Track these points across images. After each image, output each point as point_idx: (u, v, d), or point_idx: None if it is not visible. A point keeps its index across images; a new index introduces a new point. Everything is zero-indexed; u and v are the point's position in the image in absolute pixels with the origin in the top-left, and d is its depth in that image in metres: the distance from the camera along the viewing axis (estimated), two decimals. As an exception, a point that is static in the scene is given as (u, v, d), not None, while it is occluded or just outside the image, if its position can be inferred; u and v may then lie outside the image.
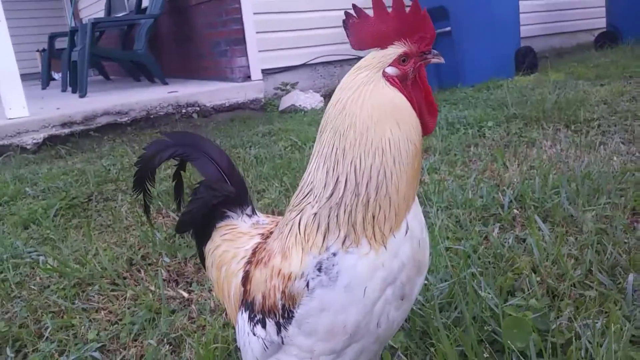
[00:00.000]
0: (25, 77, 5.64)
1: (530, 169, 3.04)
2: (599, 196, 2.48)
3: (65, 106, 5.67)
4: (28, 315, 1.98)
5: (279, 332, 0.99)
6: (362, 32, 0.99)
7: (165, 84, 7.01)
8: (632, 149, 3.21)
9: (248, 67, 6.40)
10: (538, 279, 1.86)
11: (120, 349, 1.75)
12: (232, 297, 1.15)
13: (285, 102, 6.14)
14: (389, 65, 0.97)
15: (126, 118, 5.54)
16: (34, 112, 5.28)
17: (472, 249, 2.09)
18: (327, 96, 6.75)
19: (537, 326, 1.48)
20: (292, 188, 3.01)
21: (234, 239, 1.21)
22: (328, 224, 0.94)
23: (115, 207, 3.16)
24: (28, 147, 5.03)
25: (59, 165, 4.48)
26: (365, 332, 0.96)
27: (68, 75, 7.56)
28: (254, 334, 1.04)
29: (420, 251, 0.99)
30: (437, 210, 2.52)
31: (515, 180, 2.85)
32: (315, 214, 0.95)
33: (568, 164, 3.00)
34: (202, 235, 1.29)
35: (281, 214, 2.74)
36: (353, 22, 0.99)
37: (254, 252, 1.12)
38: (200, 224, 1.28)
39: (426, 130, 1.00)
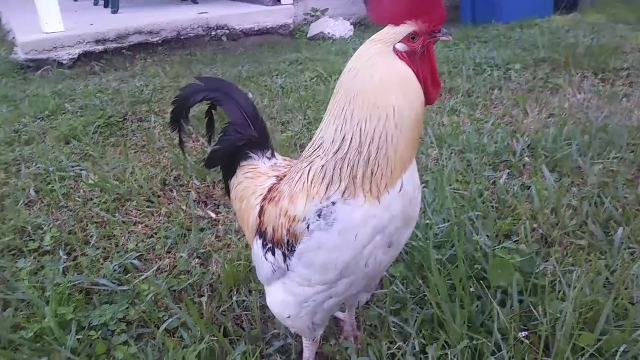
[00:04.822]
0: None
1: (549, 117, 3.11)
2: (610, 150, 2.57)
3: (98, 22, 5.75)
4: (75, 224, 2.24)
5: (284, 260, 1.19)
6: (378, 9, 1.09)
7: (195, 2, 6.97)
8: (656, 102, 3.22)
9: (279, -11, 6.32)
10: (535, 225, 2.02)
11: (156, 259, 2.01)
12: (250, 226, 1.34)
13: (314, 29, 6.11)
14: (399, 41, 1.08)
15: (157, 38, 5.62)
16: (69, 27, 5.39)
17: (478, 193, 2.24)
18: (357, 24, 6.66)
19: (522, 268, 1.66)
20: (315, 121, 3.15)
21: (254, 177, 1.39)
22: (332, 175, 1.09)
23: (149, 128, 3.36)
24: (64, 62, 5.20)
25: (94, 82, 4.66)
26: (354, 269, 1.15)
27: (100, -13, 7.55)
28: (266, 259, 1.24)
29: (410, 207, 1.15)
30: (451, 153, 2.65)
31: (532, 127, 2.93)
32: (323, 166, 1.10)
33: (587, 115, 3.05)
34: (228, 171, 1.47)
35: (303, 146, 2.91)
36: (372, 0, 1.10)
37: (269, 190, 1.29)
38: (226, 161, 1.46)
39: (429, 100, 1.12)
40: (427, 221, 1.92)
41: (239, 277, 1.80)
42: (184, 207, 2.36)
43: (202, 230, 2.18)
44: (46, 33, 5.22)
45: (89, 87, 4.44)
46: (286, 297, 1.26)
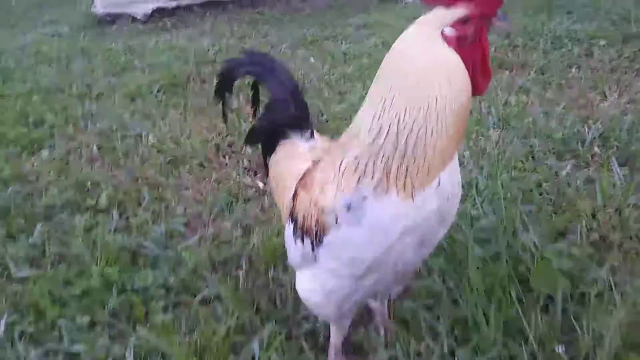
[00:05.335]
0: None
1: (628, 103, 2.84)
2: (695, 146, 2.32)
3: (173, -23, 5.83)
4: (130, 184, 2.34)
5: (313, 249, 1.17)
6: None
7: (269, -41, 6.89)
8: None
9: (354, -53, 6.09)
10: (594, 224, 1.88)
11: (201, 226, 2.06)
12: (285, 208, 1.33)
13: (388, -9, 5.87)
14: (448, 25, 0.99)
15: (228, -5, 5.64)
16: (144, -18, 5.52)
17: (536, 184, 2.11)
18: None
19: (571, 273, 1.55)
20: (374, 93, 3.06)
21: (292, 158, 1.36)
22: (365, 167, 1.04)
23: (211, 90, 3.40)
24: (138, 17, 5.36)
25: (164, 38, 4.77)
26: (383, 266, 1.11)
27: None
28: (295, 245, 1.23)
29: (447, 206, 1.08)
30: (514, 137, 2.50)
31: (608, 113, 2.70)
32: (356, 156, 1.05)
33: (675, 103, 2.77)
34: (268, 149, 1.46)
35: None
36: None
37: (304, 174, 1.27)
38: (265, 140, 1.45)
39: (477, 91, 1.04)
40: (475, 212, 1.84)
41: (277, 253, 1.81)
42: (233, 175, 2.40)
43: (248, 200, 2.21)
44: (123, -12, 5.38)
45: (159, 44, 4.55)
46: (314, 285, 1.25)
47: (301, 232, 1.21)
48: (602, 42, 3.68)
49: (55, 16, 6.14)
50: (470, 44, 1.02)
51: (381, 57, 3.39)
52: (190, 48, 4.32)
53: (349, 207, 1.06)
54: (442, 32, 1.01)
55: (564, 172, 2.20)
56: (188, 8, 5.59)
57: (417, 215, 1.05)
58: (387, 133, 1.02)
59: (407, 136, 1.00)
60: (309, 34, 4.52)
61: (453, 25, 1.00)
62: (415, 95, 1.00)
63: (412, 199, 1.03)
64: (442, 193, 1.05)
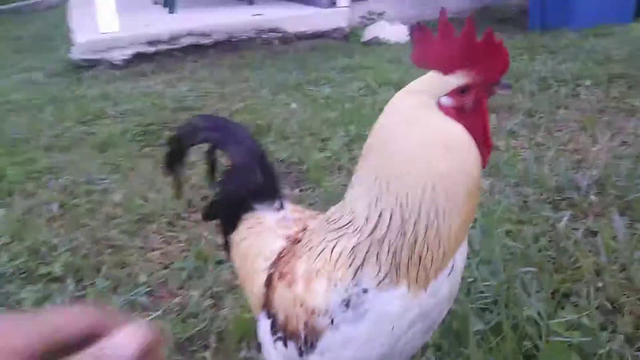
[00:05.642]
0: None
1: (622, 145, 2.73)
2: (698, 191, 2.19)
3: (153, 23, 5.76)
4: (91, 247, 2.13)
5: (300, 355, 0.97)
6: (425, 51, 0.87)
7: (251, 3, 6.88)
8: None
9: (335, -9, 6.11)
10: (600, 284, 1.71)
11: (167, 296, 1.85)
12: (255, 293, 1.13)
13: (369, 34, 5.86)
14: (446, 95, 0.85)
15: (209, 40, 5.56)
16: (124, 27, 5.42)
17: (533, 239, 1.94)
18: (415, 29, 6.34)
19: (583, 348, 1.37)
20: (357, 139, 2.91)
21: (260, 234, 1.17)
22: (365, 259, 0.86)
23: (185, 139, 3.24)
24: (116, 62, 5.23)
25: (141, 84, 4.64)
26: (388, 358, 0.94)
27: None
28: (275, 348, 1.02)
29: (456, 285, 0.94)
30: (505, 186, 2.35)
31: (601, 157, 2.57)
32: (354, 247, 0.88)
33: (670, 145, 2.66)
34: (228, 225, 1.26)
35: (341, 168, 2.69)
36: (419, 37, 0.87)
37: (279, 257, 1.08)
38: (226, 214, 1.26)
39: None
40: (471, 278, 1.66)
41: (250, 328, 1.60)
42: (205, 234, 2.20)
43: (219, 262, 2.00)
44: (102, 33, 5.27)
45: (135, 90, 4.41)
46: None
47: (283, 334, 1.01)
48: (588, 82, 3.61)
49: (31, 62, 6.01)
50: (469, 115, 0.87)
51: (363, 101, 3.25)
52: (167, 94, 4.18)
53: (347, 304, 0.88)
54: (438, 102, 0.86)
55: (561, 224, 2.04)
56: (168, 53, 5.48)
57: (429, 303, 0.89)
58: (391, 220, 0.85)
59: (416, 222, 0.84)
60: (291, 77, 4.42)
61: (450, 94, 0.85)
62: (417, 175, 0.84)
63: (425, 289, 0.87)
64: (454, 276, 0.90)
